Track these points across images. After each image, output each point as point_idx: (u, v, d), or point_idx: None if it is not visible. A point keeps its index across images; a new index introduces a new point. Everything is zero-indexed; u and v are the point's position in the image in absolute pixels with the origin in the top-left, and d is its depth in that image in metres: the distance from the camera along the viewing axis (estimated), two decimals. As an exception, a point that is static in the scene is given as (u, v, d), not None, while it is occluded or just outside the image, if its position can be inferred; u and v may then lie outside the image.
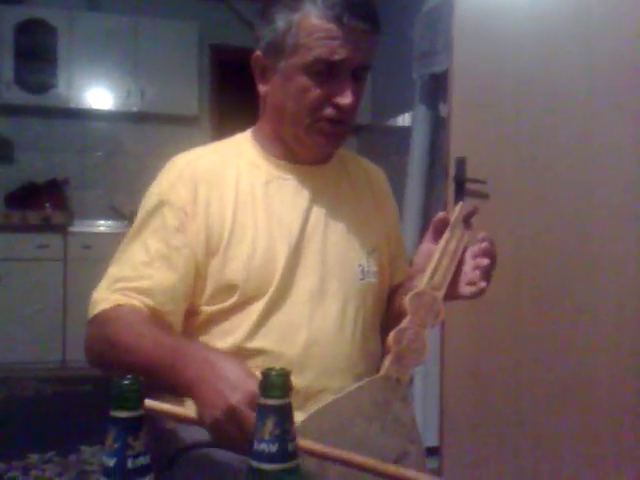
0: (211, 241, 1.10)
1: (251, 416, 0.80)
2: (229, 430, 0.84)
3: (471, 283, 1.04)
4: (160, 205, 1.12)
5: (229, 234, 1.10)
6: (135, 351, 0.99)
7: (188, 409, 0.92)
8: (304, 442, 0.79)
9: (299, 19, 1.07)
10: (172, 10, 4.86)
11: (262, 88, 1.16)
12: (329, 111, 1.10)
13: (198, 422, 0.87)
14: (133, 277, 1.08)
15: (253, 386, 0.83)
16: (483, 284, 1.03)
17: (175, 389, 0.95)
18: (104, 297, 1.07)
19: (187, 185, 1.12)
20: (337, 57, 1.06)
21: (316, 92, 1.09)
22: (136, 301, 1.06)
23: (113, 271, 1.12)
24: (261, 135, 1.21)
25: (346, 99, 1.08)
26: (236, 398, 0.83)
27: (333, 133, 1.13)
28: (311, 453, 0.81)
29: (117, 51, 4.67)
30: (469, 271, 1.04)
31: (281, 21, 1.09)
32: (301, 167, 1.18)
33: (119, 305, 1.05)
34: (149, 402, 0.83)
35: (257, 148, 1.20)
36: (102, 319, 1.05)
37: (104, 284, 1.10)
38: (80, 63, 4.61)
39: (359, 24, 1.06)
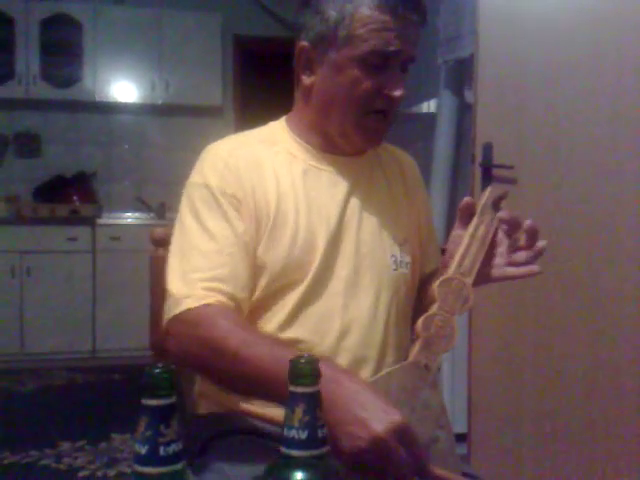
0: (259, 228, 1.10)
1: (397, 448, 0.78)
2: (373, 462, 0.79)
3: (518, 264, 1.03)
4: (213, 194, 1.10)
5: (273, 221, 1.10)
6: (246, 361, 0.93)
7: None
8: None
9: (353, 10, 1.06)
10: (195, 1, 4.87)
11: (306, 80, 1.15)
12: (380, 103, 1.09)
13: (336, 451, 0.79)
14: (207, 267, 1.05)
15: (398, 418, 0.80)
16: (535, 268, 1.03)
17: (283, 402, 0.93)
18: (186, 292, 1.03)
19: (234, 173, 1.11)
20: (392, 48, 1.06)
21: (368, 83, 1.08)
22: (220, 296, 1.03)
23: (181, 263, 1.07)
24: (298, 124, 1.20)
25: (398, 91, 1.08)
26: (382, 429, 0.78)
27: (380, 129, 1.13)
28: None
29: (141, 44, 4.70)
30: (503, 253, 1.04)
31: (333, 11, 1.08)
32: (338, 158, 1.18)
33: (207, 304, 1.01)
34: None
35: (293, 137, 1.19)
36: (193, 319, 1.01)
37: (177, 277, 1.06)
38: (105, 57, 4.65)
39: (412, 15, 1.06)
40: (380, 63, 1.07)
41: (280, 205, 1.11)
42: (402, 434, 0.79)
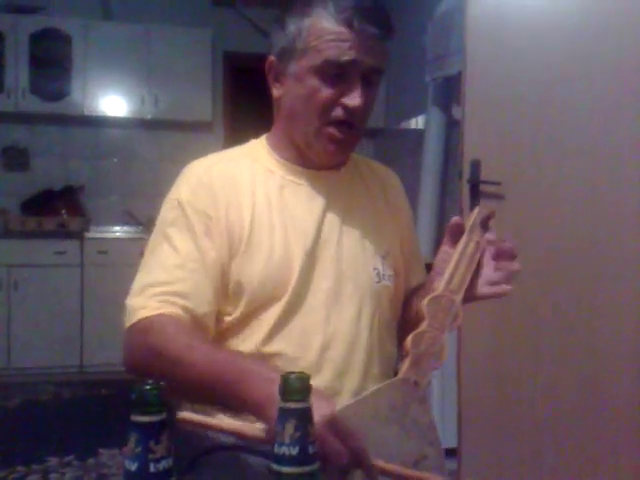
0: (232, 245, 1.11)
1: (329, 439, 0.79)
2: None
3: (492, 283, 1.04)
4: (184, 210, 1.12)
5: (247, 238, 1.11)
6: (188, 364, 0.96)
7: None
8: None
9: (310, 23, 1.10)
10: (185, 18, 4.89)
11: (275, 92, 1.18)
12: (338, 112, 1.11)
13: (266, 441, 0.81)
14: (167, 281, 1.07)
15: (329, 409, 0.81)
16: (506, 287, 1.03)
17: (235, 407, 0.93)
18: (142, 304, 1.05)
19: (207, 190, 1.13)
20: (346, 58, 1.08)
21: (325, 93, 1.10)
22: (175, 308, 1.05)
23: (144, 276, 1.10)
24: (275, 140, 1.22)
25: (355, 100, 1.09)
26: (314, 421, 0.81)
27: (342, 140, 1.13)
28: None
29: (131, 59, 4.70)
30: (490, 272, 1.05)
31: (293, 25, 1.12)
32: (315, 172, 1.19)
33: (161, 314, 1.03)
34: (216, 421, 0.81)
35: (271, 153, 1.21)
36: (144, 327, 1.03)
37: (137, 290, 1.08)
38: (94, 71, 4.65)
39: (369, 28, 1.07)
40: (337, 73, 1.09)
41: (255, 221, 1.12)
42: (334, 426, 0.80)
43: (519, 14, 2.29)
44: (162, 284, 1.07)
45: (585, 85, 2.24)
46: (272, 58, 1.17)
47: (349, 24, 1.07)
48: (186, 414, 0.83)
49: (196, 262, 1.09)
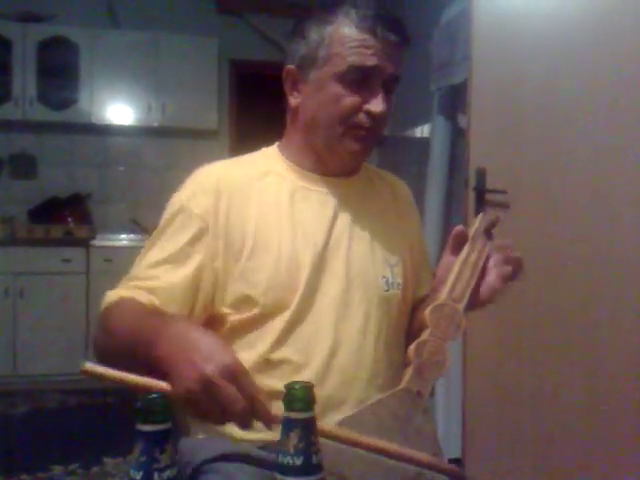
0: (230, 251, 1.12)
1: (225, 386, 0.79)
2: (203, 401, 0.81)
3: (493, 290, 1.04)
4: (179, 212, 1.15)
5: (252, 244, 1.12)
6: (119, 333, 1.00)
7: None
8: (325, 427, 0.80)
9: (332, 31, 1.12)
10: (192, 26, 4.91)
11: (293, 100, 1.19)
12: (361, 118, 1.12)
13: (170, 393, 0.82)
14: (142, 277, 1.12)
15: (228, 358, 0.82)
16: (495, 284, 1.04)
17: (150, 367, 0.92)
18: (114, 293, 1.11)
19: (208, 195, 1.14)
20: (370, 63, 1.10)
21: (349, 100, 1.12)
22: (142, 297, 1.08)
23: (130, 275, 1.16)
24: (289, 147, 1.23)
25: (378, 106, 1.11)
26: (210, 368, 0.80)
27: (366, 139, 1.15)
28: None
29: (138, 67, 4.72)
30: (492, 279, 1.05)
31: (315, 34, 1.14)
32: (327, 179, 1.20)
33: (121, 298, 1.08)
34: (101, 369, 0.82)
35: (284, 160, 1.22)
36: (105, 313, 1.08)
37: (119, 284, 1.14)
38: (102, 79, 4.67)
39: (391, 36, 1.10)
40: (360, 79, 1.11)
41: (260, 228, 1.13)
42: (231, 374, 0.80)
43: (525, 22, 2.29)
44: (137, 279, 1.12)
45: (592, 94, 2.24)
46: (290, 67, 1.18)
47: (373, 31, 1.09)
48: (90, 366, 0.82)
49: (174, 263, 1.12)
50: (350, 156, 1.18)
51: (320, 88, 1.14)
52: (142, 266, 1.14)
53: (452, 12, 3.35)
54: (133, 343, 0.94)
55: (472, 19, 2.30)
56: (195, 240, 1.12)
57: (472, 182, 2.29)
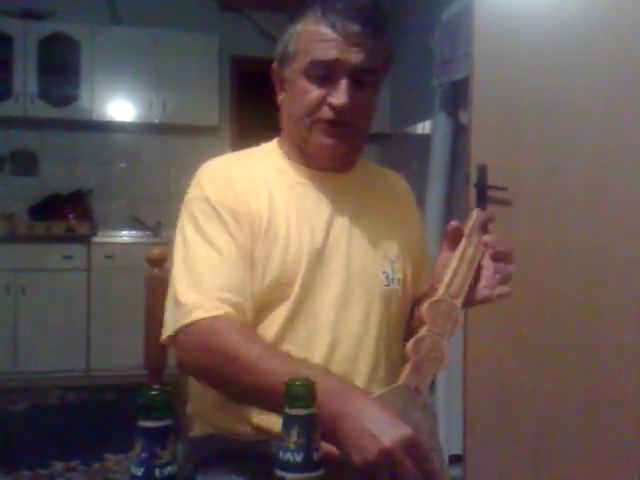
0: (253, 239, 1.12)
1: (405, 461, 0.80)
2: (383, 474, 0.81)
3: (490, 287, 1.04)
4: (214, 207, 1.12)
5: (264, 235, 1.12)
6: (264, 373, 0.94)
7: None
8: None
9: (300, 28, 1.14)
10: (192, 22, 4.91)
11: (279, 97, 1.22)
12: (325, 112, 1.13)
13: (343, 460, 0.83)
14: (214, 277, 1.07)
15: (406, 431, 0.82)
16: (505, 289, 1.03)
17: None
18: (196, 302, 1.04)
19: (230, 187, 1.14)
20: (329, 57, 1.10)
21: (313, 93, 1.13)
22: (228, 307, 1.04)
23: (188, 274, 1.08)
24: (283, 143, 1.25)
25: (339, 99, 1.11)
26: (392, 441, 0.81)
27: (337, 134, 1.14)
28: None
29: (139, 63, 4.72)
30: (489, 275, 1.04)
31: (287, 32, 1.17)
32: (323, 174, 1.20)
33: (218, 316, 1.03)
34: None
35: (282, 155, 1.23)
36: (204, 329, 1.02)
37: (186, 287, 1.06)
38: (102, 76, 4.67)
39: (353, 27, 1.10)
40: (324, 73, 1.12)
41: (272, 220, 1.13)
42: (410, 447, 0.81)
43: (527, 18, 2.29)
44: (211, 280, 1.06)
45: (594, 90, 2.24)
46: (274, 65, 1.22)
47: (332, 25, 1.10)
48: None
49: (237, 257, 1.09)
50: (323, 150, 1.17)
51: (292, 84, 1.16)
52: (204, 266, 1.08)
53: (454, 8, 3.35)
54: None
55: (474, 16, 2.30)
56: (238, 231, 1.11)
57: (473, 178, 2.28)
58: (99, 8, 4.89)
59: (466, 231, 1.05)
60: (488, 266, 1.05)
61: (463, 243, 1.04)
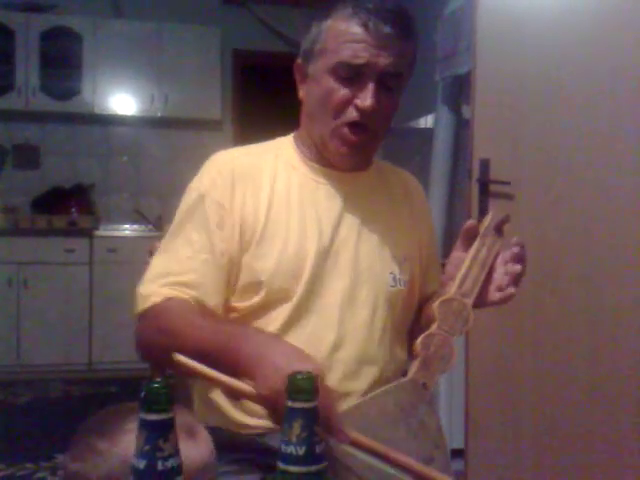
0: (244, 237, 1.12)
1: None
2: (283, 401, 0.83)
3: (500, 289, 1.04)
4: (201, 200, 1.14)
5: (261, 231, 1.12)
6: (189, 337, 0.99)
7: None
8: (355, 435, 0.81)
9: (329, 25, 1.12)
10: (195, 16, 4.90)
11: (300, 93, 1.21)
12: (351, 113, 1.12)
13: (250, 393, 0.87)
14: (179, 271, 1.10)
15: (310, 364, 0.84)
16: (511, 290, 1.03)
17: (229, 370, 0.93)
18: (153, 291, 1.08)
19: (226, 181, 1.14)
20: (359, 61, 1.09)
21: (340, 94, 1.11)
22: (184, 294, 1.07)
23: (158, 266, 1.12)
24: (300, 139, 1.24)
25: (366, 101, 1.10)
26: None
27: (355, 142, 1.14)
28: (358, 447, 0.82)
29: (141, 57, 4.71)
30: (499, 277, 1.05)
31: (315, 28, 1.15)
32: (336, 173, 1.20)
33: (169, 298, 1.06)
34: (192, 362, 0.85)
35: (296, 151, 1.23)
36: (154, 312, 1.06)
37: (150, 278, 1.11)
38: (104, 69, 4.66)
39: (385, 29, 1.08)
40: (351, 74, 1.11)
41: (271, 215, 1.13)
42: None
43: (529, 12, 2.28)
44: (173, 274, 1.09)
45: (597, 84, 2.23)
46: (298, 61, 1.20)
47: (365, 25, 1.08)
48: (183, 358, 0.84)
49: (207, 253, 1.11)
50: (339, 157, 1.17)
51: (316, 82, 1.15)
52: (174, 259, 1.12)
53: (456, 3, 3.34)
54: (205, 348, 0.96)
55: (476, 9, 2.29)
56: (219, 229, 1.12)
57: (475, 173, 2.28)
58: (101, 1, 4.88)
59: (481, 231, 1.05)
60: (500, 268, 1.05)
61: (477, 243, 1.04)
